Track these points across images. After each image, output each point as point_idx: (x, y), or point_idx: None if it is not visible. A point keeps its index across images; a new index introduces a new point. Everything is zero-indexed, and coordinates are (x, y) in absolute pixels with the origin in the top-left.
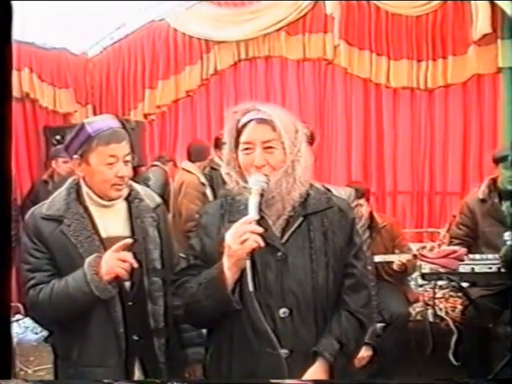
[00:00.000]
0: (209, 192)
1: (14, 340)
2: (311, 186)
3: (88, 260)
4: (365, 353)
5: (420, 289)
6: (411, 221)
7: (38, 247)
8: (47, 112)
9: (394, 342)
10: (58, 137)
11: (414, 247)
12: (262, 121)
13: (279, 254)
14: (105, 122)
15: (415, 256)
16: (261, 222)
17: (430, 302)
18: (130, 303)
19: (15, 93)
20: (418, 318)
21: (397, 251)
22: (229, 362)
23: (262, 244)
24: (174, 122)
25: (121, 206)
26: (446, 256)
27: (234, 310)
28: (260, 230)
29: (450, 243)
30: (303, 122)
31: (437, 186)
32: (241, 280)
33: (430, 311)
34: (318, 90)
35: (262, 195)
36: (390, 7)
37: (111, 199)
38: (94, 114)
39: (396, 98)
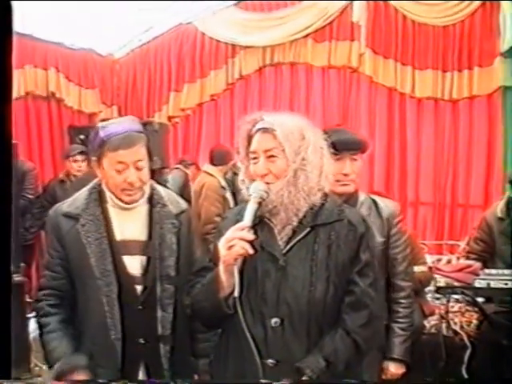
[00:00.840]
0: (229, 196)
1: (31, 336)
2: (326, 195)
3: (57, 371)
4: (398, 370)
5: (437, 302)
6: (432, 232)
7: (54, 245)
8: (72, 112)
9: None
10: (81, 136)
11: (430, 259)
12: (265, 130)
13: (279, 263)
14: (120, 125)
15: (430, 268)
16: (266, 230)
17: (446, 316)
18: (140, 307)
19: (41, 92)
20: (433, 331)
21: None
22: (224, 366)
23: (251, 251)
24: (198, 125)
25: (142, 208)
26: (461, 270)
27: (229, 314)
28: (250, 237)
29: (468, 257)
30: (353, 128)
31: (459, 198)
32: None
33: (444, 325)
34: (343, 98)
35: (260, 203)
36: (416, 16)
37: (126, 203)
38: (119, 115)
39: (420, 108)
